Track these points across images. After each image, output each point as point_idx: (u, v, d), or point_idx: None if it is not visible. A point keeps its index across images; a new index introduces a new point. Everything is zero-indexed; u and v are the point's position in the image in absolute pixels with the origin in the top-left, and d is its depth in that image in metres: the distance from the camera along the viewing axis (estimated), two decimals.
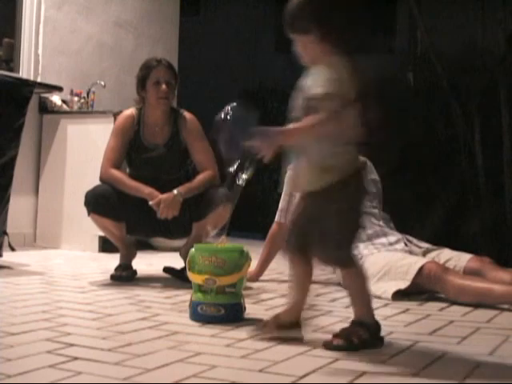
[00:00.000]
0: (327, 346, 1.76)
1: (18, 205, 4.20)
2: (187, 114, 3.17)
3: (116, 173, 3.04)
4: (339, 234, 1.76)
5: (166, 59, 3.18)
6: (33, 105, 4.37)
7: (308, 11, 1.78)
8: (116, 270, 3.11)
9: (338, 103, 1.69)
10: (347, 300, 2.64)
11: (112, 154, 3.10)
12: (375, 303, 2.56)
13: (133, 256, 3.22)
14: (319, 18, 1.77)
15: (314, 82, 1.75)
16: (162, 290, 2.81)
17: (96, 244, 4.35)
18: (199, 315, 2.11)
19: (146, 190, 2.95)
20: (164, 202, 2.88)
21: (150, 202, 2.90)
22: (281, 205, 3.19)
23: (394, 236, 3.03)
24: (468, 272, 2.77)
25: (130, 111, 3.17)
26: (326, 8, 1.79)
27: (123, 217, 3.02)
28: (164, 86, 3.06)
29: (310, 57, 1.83)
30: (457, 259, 2.87)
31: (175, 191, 2.93)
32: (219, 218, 2.96)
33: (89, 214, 3.03)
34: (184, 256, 3.02)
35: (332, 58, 1.77)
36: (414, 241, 3.07)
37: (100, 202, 2.98)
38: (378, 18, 11.06)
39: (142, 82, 3.11)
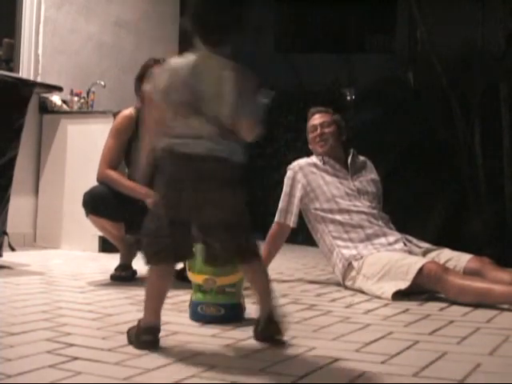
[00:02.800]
0: None
1: (18, 205, 4.20)
2: None
3: (113, 173, 3.04)
4: None
5: (166, 60, 3.16)
6: (33, 105, 4.37)
7: (192, 7, 1.86)
8: (116, 269, 3.11)
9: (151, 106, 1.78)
10: (347, 300, 2.65)
11: (109, 154, 3.10)
12: (375, 303, 2.58)
13: (133, 256, 3.22)
14: (194, 13, 1.85)
15: None
16: None
17: (96, 244, 4.36)
18: (199, 315, 2.11)
19: (142, 190, 2.95)
20: None
21: (148, 201, 2.90)
22: (281, 205, 3.19)
23: (394, 236, 3.03)
24: (468, 272, 2.77)
25: (129, 111, 3.16)
26: (199, 5, 1.84)
27: (121, 217, 3.02)
28: None
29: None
30: (457, 259, 2.87)
31: None
32: None
33: (87, 215, 3.03)
34: None
35: (183, 56, 1.82)
36: (414, 241, 3.07)
37: (98, 203, 2.98)
38: (377, 18, 11.06)
39: (139, 82, 3.11)
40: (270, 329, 1.80)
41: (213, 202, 1.73)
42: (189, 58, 1.78)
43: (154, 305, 1.75)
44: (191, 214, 1.73)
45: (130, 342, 1.75)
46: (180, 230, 1.73)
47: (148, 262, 1.75)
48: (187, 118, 1.73)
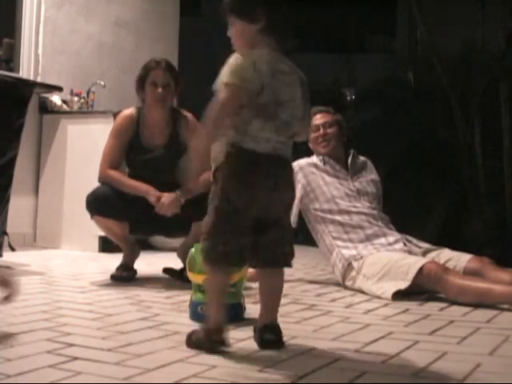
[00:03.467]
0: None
1: (18, 205, 4.20)
2: (188, 115, 3.16)
3: (114, 173, 3.04)
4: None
5: (167, 60, 3.15)
6: (33, 105, 4.37)
7: (259, 0, 1.77)
8: (117, 269, 3.11)
9: (227, 92, 1.67)
10: (347, 300, 2.65)
11: (110, 154, 3.09)
12: (375, 303, 2.58)
13: (136, 256, 3.22)
14: (269, 9, 1.76)
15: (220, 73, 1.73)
16: (161, 290, 2.81)
17: (96, 244, 4.36)
18: (199, 315, 2.11)
19: (143, 188, 2.95)
20: (166, 199, 2.88)
21: (151, 199, 2.90)
22: None
23: (393, 236, 3.03)
24: (468, 272, 2.77)
25: (130, 111, 3.16)
26: (276, 2, 1.79)
27: (126, 216, 3.02)
28: (160, 89, 3.04)
29: (245, 44, 1.79)
30: (457, 259, 2.87)
31: (177, 192, 2.93)
32: None
33: (92, 217, 3.03)
34: (181, 255, 3.02)
35: (255, 50, 1.75)
36: (414, 241, 3.07)
37: (102, 204, 2.98)
38: (378, 18, 11.06)
39: (140, 83, 3.10)
40: (266, 337, 1.77)
41: (281, 198, 1.76)
42: (264, 56, 1.74)
43: (219, 304, 1.74)
44: (265, 211, 1.73)
45: (197, 347, 1.71)
46: (250, 229, 1.72)
47: (213, 262, 1.72)
48: (261, 120, 1.70)
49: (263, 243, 1.75)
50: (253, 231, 1.73)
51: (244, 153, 1.70)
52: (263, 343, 1.76)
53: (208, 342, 1.70)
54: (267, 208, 1.73)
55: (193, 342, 1.74)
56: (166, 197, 2.89)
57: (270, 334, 1.76)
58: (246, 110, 1.69)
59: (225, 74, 1.69)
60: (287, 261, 1.80)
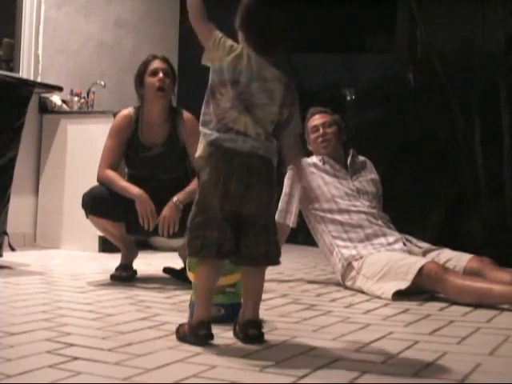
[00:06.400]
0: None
1: (18, 205, 4.20)
2: (186, 114, 3.16)
3: (110, 173, 3.04)
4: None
5: (163, 55, 3.18)
6: (33, 105, 4.37)
7: (246, 8, 1.85)
8: (116, 269, 3.11)
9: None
10: (347, 300, 2.65)
11: (108, 154, 3.10)
12: (375, 303, 2.58)
13: (134, 256, 3.22)
14: (251, 17, 1.84)
15: None
16: (161, 289, 2.81)
17: (96, 244, 4.36)
18: None
19: (133, 191, 2.94)
20: (166, 220, 2.88)
21: (136, 202, 2.90)
22: (280, 205, 3.19)
23: (393, 236, 3.03)
24: (468, 272, 2.77)
25: (128, 110, 3.16)
26: (260, 11, 1.84)
27: (122, 216, 3.02)
28: (161, 75, 3.05)
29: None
30: (457, 259, 2.87)
31: (175, 199, 2.92)
32: None
33: (87, 216, 3.03)
34: (183, 256, 3.02)
35: (248, 49, 1.83)
36: (414, 241, 3.07)
37: (97, 203, 2.98)
38: (377, 18, 11.06)
39: (139, 78, 3.11)
40: (249, 332, 1.81)
41: (257, 196, 1.80)
42: (246, 49, 1.83)
43: (204, 300, 1.80)
44: (238, 206, 1.78)
45: (182, 339, 1.79)
46: (227, 224, 1.77)
47: (192, 255, 1.82)
48: (236, 111, 1.78)
49: (244, 242, 1.80)
50: (233, 228, 1.79)
51: (222, 150, 1.78)
52: (246, 338, 1.81)
53: (192, 335, 1.77)
54: (242, 204, 1.78)
55: (180, 335, 1.81)
56: (166, 218, 2.89)
57: (253, 329, 1.82)
58: (222, 99, 1.79)
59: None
60: (270, 260, 1.84)
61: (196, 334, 1.76)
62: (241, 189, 1.77)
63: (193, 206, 1.84)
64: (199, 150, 1.82)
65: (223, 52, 1.81)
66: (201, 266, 1.83)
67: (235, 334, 1.86)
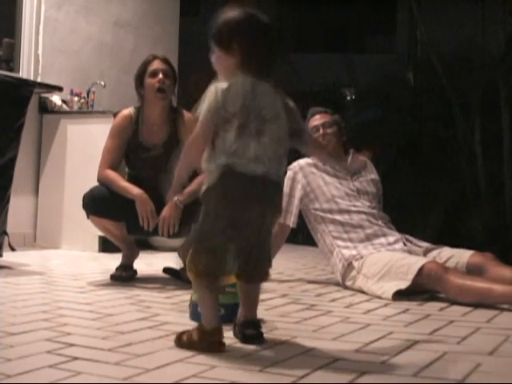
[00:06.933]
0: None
1: (18, 205, 4.20)
2: (187, 114, 3.16)
3: (110, 174, 3.04)
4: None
5: (164, 55, 3.18)
6: (33, 105, 4.37)
7: (234, 30, 1.78)
8: (117, 269, 3.11)
9: (199, 127, 1.76)
10: (347, 300, 2.65)
11: (108, 155, 3.10)
12: (375, 303, 2.58)
13: (135, 256, 3.22)
14: (243, 40, 1.77)
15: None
16: (161, 289, 2.81)
17: (96, 244, 4.36)
18: (199, 315, 2.10)
19: (133, 191, 2.94)
20: (166, 220, 2.88)
21: (138, 209, 2.89)
22: None
23: (393, 236, 3.03)
24: (471, 267, 2.76)
25: (128, 111, 3.16)
26: (252, 32, 1.79)
27: (122, 216, 3.02)
28: (161, 76, 3.05)
29: (222, 74, 1.82)
30: (458, 256, 2.87)
31: (175, 199, 2.91)
32: None
33: (88, 217, 3.03)
34: (183, 256, 3.01)
35: (234, 76, 1.76)
36: (414, 240, 3.07)
37: (98, 204, 2.98)
38: (378, 19, 11.06)
39: (139, 78, 3.10)
40: (247, 332, 1.82)
41: (267, 223, 1.81)
42: (241, 81, 1.76)
43: (211, 304, 1.77)
44: (248, 234, 1.76)
45: (190, 347, 1.72)
46: (231, 250, 1.77)
47: (198, 276, 1.76)
48: (245, 140, 1.73)
49: (245, 261, 1.80)
50: (236, 252, 1.78)
51: (235, 176, 1.72)
52: (245, 338, 1.81)
53: (203, 342, 1.71)
54: (252, 233, 1.77)
55: (184, 342, 1.75)
56: (166, 218, 2.88)
57: (251, 329, 1.82)
58: (228, 133, 1.72)
59: (201, 109, 1.75)
60: (265, 276, 1.84)
61: (210, 341, 1.71)
62: (253, 218, 1.75)
63: (199, 225, 1.79)
64: (206, 183, 1.75)
65: (221, 104, 1.73)
66: (201, 284, 1.78)
67: (235, 334, 1.86)
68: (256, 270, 1.82)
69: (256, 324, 1.84)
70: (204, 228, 1.77)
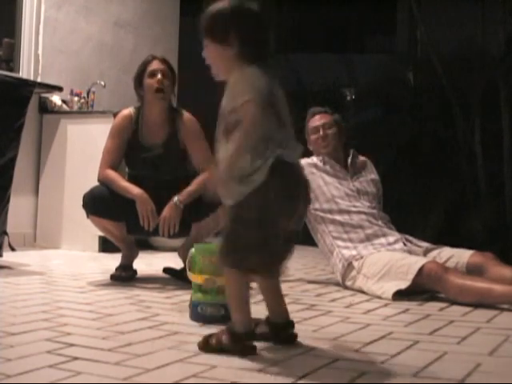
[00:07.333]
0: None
1: (18, 205, 4.20)
2: (186, 114, 3.16)
3: (111, 173, 3.04)
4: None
5: (163, 56, 3.18)
6: (33, 105, 4.37)
7: (229, 20, 1.72)
8: (117, 269, 3.11)
9: (254, 107, 1.63)
10: (347, 300, 2.65)
11: (109, 155, 3.10)
12: (375, 303, 2.58)
13: (134, 256, 3.22)
14: (240, 28, 1.72)
15: (228, 96, 1.69)
16: (161, 289, 2.81)
17: (96, 244, 4.36)
18: (199, 315, 2.11)
19: (134, 191, 2.94)
20: (166, 220, 2.88)
21: (138, 209, 2.89)
22: None
23: (393, 236, 3.03)
24: (471, 267, 2.76)
25: (128, 111, 3.16)
26: (247, 19, 1.74)
27: (122, 216, 3.02)
28: (160, 76, 3.05)
29: (221, 68, 1.76)
30: (458, 256, 2.87)
31: (175, 199, 2.91)
32: (219, 218, 2.96)
33: (88, 216, 3.03)
34: (182, 256, 3.02)
35: (245, 69, 1.70)
36: (414, 240, 3.07)
37: (98, 204, 2.98)
38: (378, 18, 11.06)
39: (138, 79, 3.11)
40: (283, 334, 1.81)
41: (304, 210, 1.79)
42: (256, 69, 1.70)
43: (246, 312, 1.73)
44: (292, 222, 1.75)
45: (220, 350, 1.68)
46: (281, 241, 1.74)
47: (253, 271, 1.73)
48: (281, 126, 1.71)
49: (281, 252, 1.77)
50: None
51: (285, 166, 1.68)
52: (280, 341, 1.80)
53: (237, 346, 1.68)
54: (296, 220, 1.76)
55: (213, 346, 1.70)
56: (167, 218, 2.88)
57: (285, 331, 1.81)
58: (268, 122, 1.67)
59: (241, 93, 1.66)
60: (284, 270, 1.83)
61: (245, 344, 1.69)
62: (299, 203, 1.73)
63: (250, 222, 1.66)
64: (250, 182, 1.64)
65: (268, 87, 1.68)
66: (237, 279, 1.72)
67: (267, 336, 1.81)
68: (285, 262, 1.78)
69: (290, 325, 1.83)
70: (256, 217, 1.66)
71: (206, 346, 1.72)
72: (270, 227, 1.68)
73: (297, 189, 1.71)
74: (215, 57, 1.77)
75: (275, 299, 1.84)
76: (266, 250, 1.69)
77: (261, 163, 1.65)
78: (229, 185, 1.68)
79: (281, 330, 1.82)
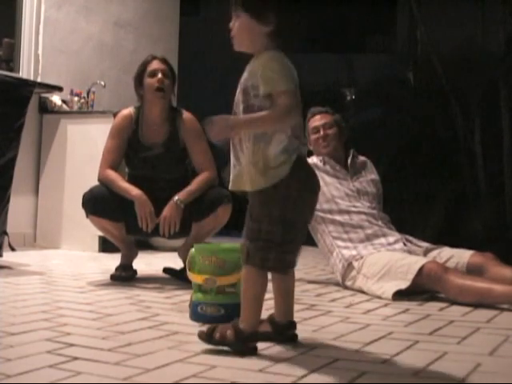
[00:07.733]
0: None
1: (18, 205, 4.20)
2: (186, 114, 3.16)
3: (111, 174, 3.03)
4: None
5: (163, 55, 3.19)
6: (33, 105, 4.37)
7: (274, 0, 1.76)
8: (116, 269, 3.11)
9: (291, 99, 1.67)
10: (347, 300, 2.65)
11: (109, 155, 3.10)
12: (375, 303, 2.58)
13: (134, 256, 3.22)
14: (280, 11, 1.75)
15: (255, 77, 1.71)
16: (161, 290, 2.81)
17: (96, 244, 4.36)
18: (199, 315, 2.11)
19: (133, 192, 2.94)
20: (166, 219, 2.88)
21: (137, 211, 2.89)
22: None
23: (393, 236, 3.03)
24: (471, 267, 2.76)
25: (128, 110, 3.16)
26: (286, 6, 1.77)
27: (122, 217, 3.02)
28: (160, 75, 3.05)
29: (246, 41, 1.77)
30: (459, 256, 2.87)
31: (176, 199, 2.91)
32: (219, 218, 2.96)
33: (87, 216, 3.03)
34: (183, 256, 3.02)
35: (272, 52, 1.73)
36: (414, 240, 3.07)
37: (97, 204, 2.98)
38: (377, 18, 11.06)
39: (138, 78, 3.11)
40: (290, 333, 1.83)
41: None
42: (282, 53, 1.75)
43: (257, 312, 1.74)
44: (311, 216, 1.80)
45: (221, 344, 1.69)
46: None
47: (282, 271, 1.80)
48: (299, 118, 1.74)
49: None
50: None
51: (305, 160, 1.75)
52: (282, 340, 1.81)
53: (239, 344, 1.69)
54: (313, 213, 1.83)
55: (216, 339, 1.70)
56: (167, 218, 2.88)
57: (288, 331, 1.83)
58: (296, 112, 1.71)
59: (277, 79, 1.68)
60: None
61: (248, 344, 1.70)
62: (318, 197, 1.79)
63: (274, 218, 1.68)
64: (272, 176, 1.67)
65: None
66: (257, 277, 1.75)
67: (271, 335, 1.81)
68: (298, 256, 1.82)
69: (293, 325, 1.84)
70: (281, 215, 1.68)
71: (209, 338, 1.72)
72: (295, 223, 1.72)
73: (316, 183, 1.77)
74: (245, 29, 1.77)
75: (286, 299, 1.85)
76: (290, 246, 1.76)
77: (285, 158, 1.68)
78: (251, 172, 1.70)
79: (284, 330, 1.82)
